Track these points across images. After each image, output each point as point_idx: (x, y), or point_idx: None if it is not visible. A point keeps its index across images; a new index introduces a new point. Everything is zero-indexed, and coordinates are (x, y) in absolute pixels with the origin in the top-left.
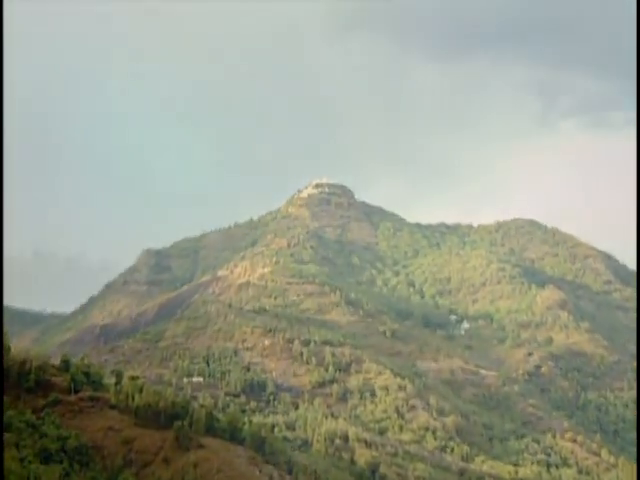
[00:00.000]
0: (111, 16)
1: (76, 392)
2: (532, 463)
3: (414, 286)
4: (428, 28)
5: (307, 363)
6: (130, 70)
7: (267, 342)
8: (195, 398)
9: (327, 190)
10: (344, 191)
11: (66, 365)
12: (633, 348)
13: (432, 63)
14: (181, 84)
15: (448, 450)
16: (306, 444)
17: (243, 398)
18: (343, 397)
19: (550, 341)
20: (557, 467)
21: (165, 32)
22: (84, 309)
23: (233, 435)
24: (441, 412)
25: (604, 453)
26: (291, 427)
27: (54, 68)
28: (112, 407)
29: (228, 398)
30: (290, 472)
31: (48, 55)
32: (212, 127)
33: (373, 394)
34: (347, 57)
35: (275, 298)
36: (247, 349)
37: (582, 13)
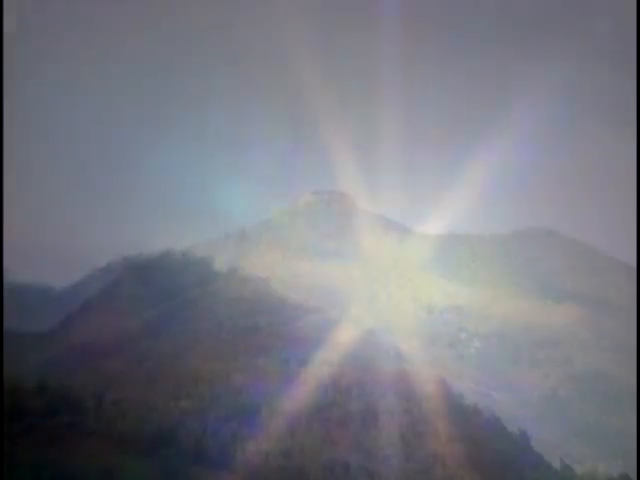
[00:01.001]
0: (111, 17)
1: (53, 417)
2: None
3: (420, 301)
4: (430, 25)
5: (304, 385)
6: (128, 70)
7: (261, 362)
8: (183, 423)
9: (326, 197)
10: (344, 198)
11: (42, 388)
12: None
13: (434, 63)
14: (178, 85)
15: None
16: (303, 473)
17: (235, 423)
18: (343, 422)
19: (569, 361)
20: None
21: (163, 33)
22: (62, 327)
23: (224, 463)
24: (450, 438)
25: None
26: (287, 455)
27: (55, 68)
28: (92, 433)
29: (218, 423)
30: None
31: (51, 54)
32: (205, 128)
33: (376, 419)
34: (347, 57)
35: (270, 314)
36: (239, 370)
37: (596, 11)
